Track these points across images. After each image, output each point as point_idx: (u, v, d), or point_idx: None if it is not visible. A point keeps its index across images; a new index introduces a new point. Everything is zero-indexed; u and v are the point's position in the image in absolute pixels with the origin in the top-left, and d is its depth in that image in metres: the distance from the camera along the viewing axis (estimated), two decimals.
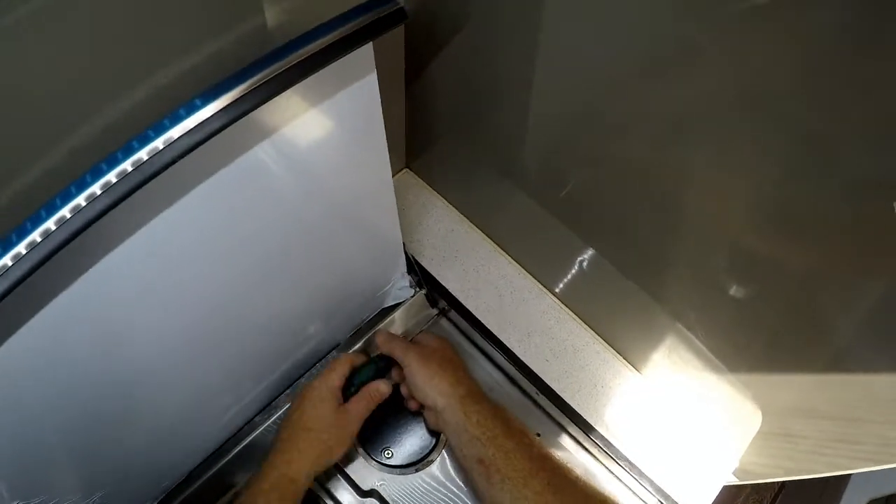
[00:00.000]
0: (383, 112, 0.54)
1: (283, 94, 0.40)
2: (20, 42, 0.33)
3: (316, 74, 0.41)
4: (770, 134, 0.44)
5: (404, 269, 0.83)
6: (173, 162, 0.38)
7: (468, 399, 0.69)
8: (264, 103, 0.40)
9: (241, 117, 0.39)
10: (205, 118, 0.38)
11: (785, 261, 0.54)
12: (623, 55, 0.49)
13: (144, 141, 0.37)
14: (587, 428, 0.81)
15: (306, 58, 0.41)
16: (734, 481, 0.82)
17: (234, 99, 0.39)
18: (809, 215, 0.48)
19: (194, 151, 0.38)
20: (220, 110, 0.38)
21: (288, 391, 0.82)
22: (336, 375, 0.73)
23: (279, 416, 0.81)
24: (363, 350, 0.86)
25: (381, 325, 0.86)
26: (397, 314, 0.87)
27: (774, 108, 0.42)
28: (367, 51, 0.46)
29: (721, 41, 0.41)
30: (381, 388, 0.75)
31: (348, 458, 0.79)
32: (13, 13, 0.32)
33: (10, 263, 0.35)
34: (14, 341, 0.41)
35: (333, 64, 0.42)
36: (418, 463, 0.80)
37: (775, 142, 0.44)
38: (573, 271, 0.80)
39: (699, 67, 0.44)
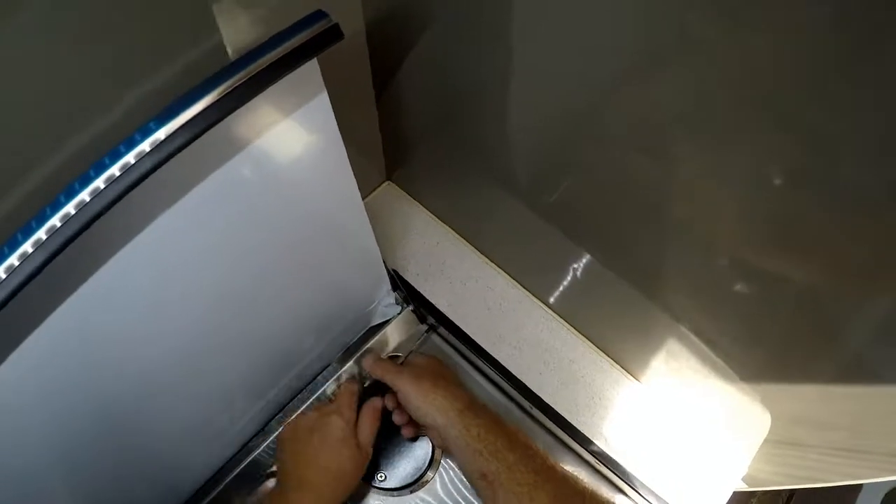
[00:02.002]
0: (353, 126, 0.53)
1: (237, 114, 0.40)
2: None
3: (265, 94, 0.40)
4: (769, 135, 0.42)
5: (388, 285, 0.81)
6: (131, 188, 0.37)
7: (467, 412, 0.67)
8: (214, 125, 0.39)
9: (191, 142, 0.39)
10: (160, 141, 0.38)
11: (791, 266, 0.52)
12: (611, 53, 0.46)
13: (100, 168, 0.37)
14: (585, 442, 0.78)
15: (248, 80, 0.40)
16: (744, 487, 0.79)
17: (184, 122, 0.38)
18: (816, 222, 0.46)
19: (155, 175, 0.38)
20: (172, 134, 0.38)
21: (279, 416, 0.81)
22: (350, 408, 0.73)
23: (273, 439, 0.80)
24: (356, 368, 0.84)
25: (370, 344, 0.84)
26: (386, 332, 0.85)
27: (771, 108, 0.40)
28: (312, 68, 0.44)
29: (715, 39, 0.39)
30: (378, 404, 0.75)
31: None
32: None
33: None
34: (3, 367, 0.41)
35: (280, 83, 0.41)
36: (413, 484, 0.79)
37: (777, 140, 0.42)
38: (566, 279, 0.78)
39: (694, 67, 0.42)
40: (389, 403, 0.77)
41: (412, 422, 0.73)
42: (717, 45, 0.39)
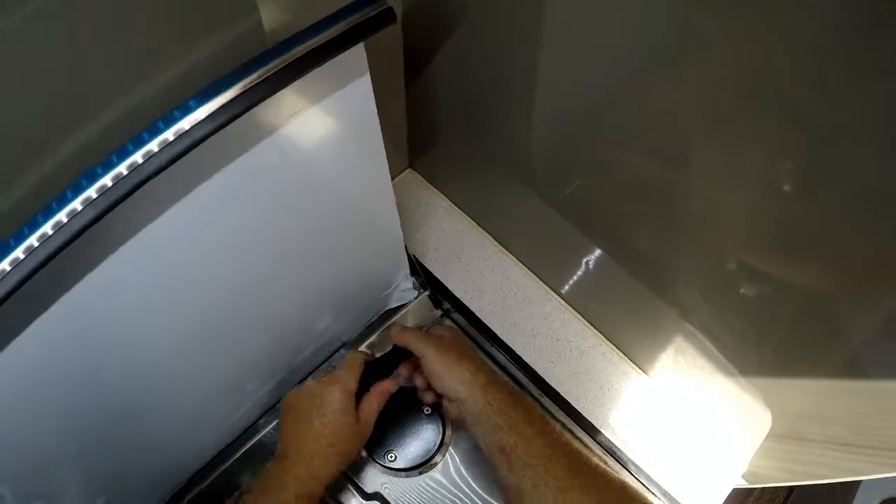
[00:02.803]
0: (383, 113, 0.54)
1: (277, 96, 0.40)
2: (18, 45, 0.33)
3: (308, 77, 0.41)
4: (782, 134, 0.43)
5: (407, 270, 0.82)
6: (167, 165, 0.37)
7: (490, 387, 0.68)
8: (255, 106, 0.39)
9: (232, 120, 0.39)
10: (198, 120, 0.38)
11: (797, 266, 0.53)
12: (631, 52, 0.47)
13: (139, 144, 0.37)
14: (593, 431, 0.80)
15: (294, 61, 0.40)
16: (743, 484, 0.81)
17: (225, 101, 0.38)
18: (822, 221, 0.47)
19: (192, 153, 0.38)
20: (212, 113, 0.38)
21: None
22: (353, 378, 0.72)
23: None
24: (370, 351, 0.85)
25: (385, 327, 0.86)
26: (402, 315, 0.86)
27: (786, 106, 0.41)
28: (358, 52, 0.45)
29: (731, 39, 0.40)
30: (391, 387, 0.74)
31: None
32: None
33: (7, 268, 0.36)
34: (18, 344, 0.41)
35: (325, 66, 0.41)
36: (422, 465, 0.80)
37: (787, 142, 0.43)
38: (579, 272, 0.79)
39: (711, 64, 0.43)
40: (405, 371, 0.77)
41: (431, 388, 0.73)
42: (730, 45, 0.40)
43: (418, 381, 0.76)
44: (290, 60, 0.40)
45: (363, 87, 0.49)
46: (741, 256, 0.56)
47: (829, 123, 0.40)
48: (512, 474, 0.63)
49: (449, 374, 0.69)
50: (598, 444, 0.81)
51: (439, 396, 0.72)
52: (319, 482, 0.66)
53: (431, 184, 0.91)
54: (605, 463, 0.81)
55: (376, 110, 0.52)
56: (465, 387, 0.68)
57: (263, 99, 0.40)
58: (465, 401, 0.68)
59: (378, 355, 0.78)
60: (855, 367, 0.57)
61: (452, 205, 0.90)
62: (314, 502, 0.66)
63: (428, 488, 0.80)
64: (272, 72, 0.40)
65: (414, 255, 0.83)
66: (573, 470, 0.62)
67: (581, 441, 0.82)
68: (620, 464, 0.80)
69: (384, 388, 0.73)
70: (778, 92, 0.41)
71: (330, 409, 0.69)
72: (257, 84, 0.39)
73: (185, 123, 0.38)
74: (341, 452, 0.68)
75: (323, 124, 0.51)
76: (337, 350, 0.85)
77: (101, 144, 0.39)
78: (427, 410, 0.79)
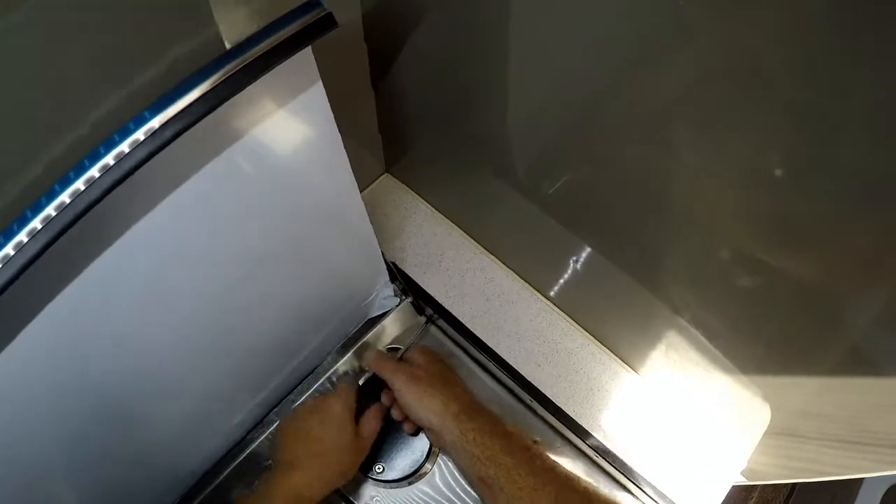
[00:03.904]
0: (352, 117, 0.54)
1: (232, 105, 0.39)
2: None
3: (259, 85, 0.40)
4: (773, 124, 0.41)
5: (387, 277, 0.81)
6: (124, 178, 0.37)
7: (462, 416, 0.67)
8: (203, 118, 0.39)
9: (186, 130, 0.38)
10: (155, 128, 0.37)
11: (791, 259, 0.51)
12: (611, 42, 0.46)
13: (95, 158, 0.37)
14: (584, 434, 0.78)
15: (238, 71, 0.40)
16: (743, 481, 0.79)
17: (179, 111, 0.38)
18: (817, 213, 0.45)
19: (152, 163, 0.38)
20: (167, 122, 0.38)
21: (277, 408, 0.81)
22: (353, 396, 0.73)
23: (271, 431, 0.80)
24: (354, 360, 0.84)
25: (368, 335, 0.84)
26: (384, 324, 0.85)
27: (771, 98, 0.40)
28: (306, 58, 0.44)
29: (714, 26, 0.39)
30: (387, 405, 0.75)
31: None
32: None
33: None
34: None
35: (274, 74, 0.40)
36: (411, 476, 0.79)
37: (779, 133, 0.42)
38: (566, 271, 0.78)
39: (693, 56, 0.42)
40: (385, 399, 0.77)
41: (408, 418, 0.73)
42: (716, 34, 0.39)
43: (395, 413, 0.76)
44: (238, 68, 0.39)
45: (317, 92, 0.48)
46: (735, 249, 0.55)
47: (823, 114, 0.38)
48: None
49: (420, 406, 0.69)
50: (590, 446, 0.79)
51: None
52: (313, 492, 0.66)
53: (409, 187, 0.89)
54: (603, 470, 0.80)
55: (333, 116, 0.51)
56: (436, 418, 0.68)
57: (216, 107, 0.39)
58: (439, 431, 0.67)
59: (363, 380, 0.79)
60: (855, 363, 0.56)
61: (432, 208, 0.88)
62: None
63: (418, 498, 0.79)
64: (219, 82, 0.39)
65: (393, 262, 0.82)
66: (560, 498, 0.61)
67: (573, 445, 0.80)
68: (614, 466, 0.78)
69: (382, 408, 0.74)
70: (770, 82, 0.39)
71: (330, 421, 0.70)
72: (210, 91, 0.39)
73: (140, 134, 0.37)
74: (338, 466, 0.69)
75: (283, 133, 0.50)
76: (323, 360, 0.83)
77: (62, 160, 0.39)
78: (409, 434, 0.79)
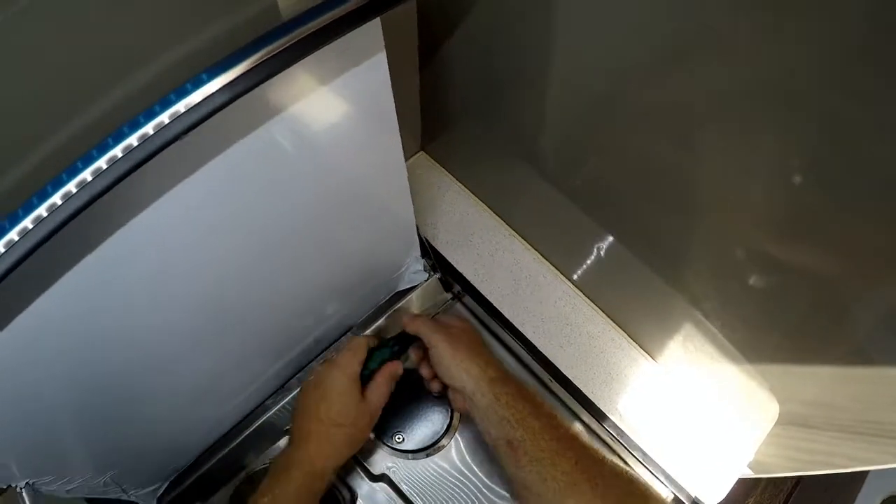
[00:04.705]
0: (396, 93, 0.53)
1: (290, 71, 0.39)
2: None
3: (323, 52, 0.40)
4: (795, 122, 0.43)
5: (418, 252, 0.82)
6: (179, 136, 0.37)
7: (498, 381, 0.68)
8: (268, 80, 0.39)
9: (246, 92, 0.38)
10: (211, 93, 0.37)
11: (808, 254, 0.53)
12: (647, 37, 0.47)
13: (150, 116, 0.37)
14: (600, 416, 0.80)
15: (309, 35, 0.40)
16: (749, 474, 0.80)
17: (238, 74, 0.38)
18: (834, 209, 0.46)
19: (203, 128, 0.37)
20: (226, 85, 0.38)
21: (300, 374, 0.83)
22: (356, 361, 0.72)
23: (291, 398, 0.81)
24: (377, 334, 0.85)
25: (395, 309, 0.86)
26: (412, 298, 0.87)
27: (800, 95, 0.41)
28: (374, 29, 0.45)
29: (746, 25, 0.40)
30: (399, 370, 0.75)
31: None
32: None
33: (16, 238, 0.36)
34: (24, 318, 0.41)
35: (341, 42, 0.41)
36: (429, 448, 0.80)
37: (800, 130, 0.43)
38: (590, 257, 0.79)
39: (724, 51, 0.43)
40: (415, 356, 0.77)
41: (437, 378, 0.74)
42: (746, 35, 0.40)
43: (424, 371, 0.76)
44: (304, 36, 0.40)
45: (379, 64, 0.49)
46: (753, 243, 0.56)
47: (845, 116, 0.40)
48: (519, 468, 0.64)
49: (457, 367, 0.69)
50: (606, 429, 0.81)
51: (445, 387, 0.73)
52: (327, 461, 0.67)
53: (443, 167, 0.91)
54: (616, 453, 0.82)
55: (391, 89, 0.52)
56: (472, 380, 0.68)
57: (276, 73, 0.39)
58: (472, 394, 0.68)
59: (387, 338, 0.78)
60: (864, 355, 0.57)
61: (464, 188, 0.90)
62: (321, 486, 0.67)
63: (434, 471, 0.80)
64: (285, 47, 0.39)
65: (425, 238, 0.83)
66: (580, 464, 0.62)
67: (588, 426, 0.82)
68: (627, 449, 0.80)
69: (391, 369, 0.74)
70: (797, 82, 0.40)
71: (332, 392, 0.70)
72: (270, 58, 0.39)
73: (197, 97, 0.37)
74: (347, 431, 0.69)
75: (338, 102, 0.51)
76: (347, 331, 0.85)
77: (114, 117, 0.38)
78: (436, 393, 0.79)
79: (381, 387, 0.72)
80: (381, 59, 0.49)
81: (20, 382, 0.47)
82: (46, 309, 0.42)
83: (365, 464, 0.80)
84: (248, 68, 0.38)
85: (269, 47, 0.39)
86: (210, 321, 0.60)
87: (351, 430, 0.69)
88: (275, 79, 0.39)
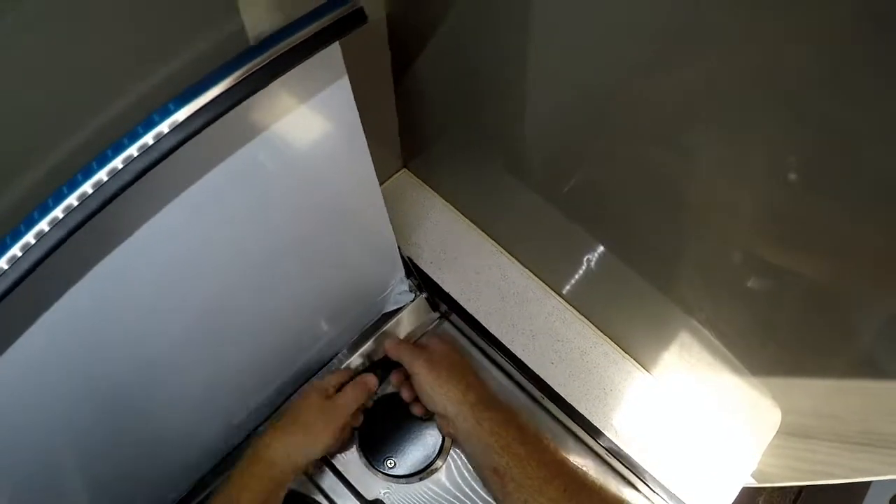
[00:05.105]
0: (372, 112, 0.53)
1: (257, 99, 0.40)
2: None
3: (285, 80, 0.40)
4: (789, 124, 0.41)
5: (402, 272, 0.81)
6: (148, 170, 0.38)
7: (479, 406, 0.67)
8: (230, 110, 0.39)
9: (211, 123, 0.39)
10: (180, 121, 0.38)
11: (807, 261, 0.51)
12: (630, 41, 0.46)
13: (118, 149, 0.37)
14: (595, 433, 0.78)
15: (266, 65, 0.40)
16: (753, 483, 0.79)
17: (203, 104, 0.39)
18: (833, 216, 0.45)
19: (175, 157, 0.38)
20: (190, 116, 0.38)
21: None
22: (333, 378, 0.73)
23: None
24: (366, 357, 0.84)
25: (382, 331, 0.85)
26: (398, 319, 0.85)
27: (787, 101, 0.40)
28: (333, 53, 0.45)
29: (734, 26, 0.39)
30: (369, 380, 0.74)
31: (351, 467, 0.79)
32: None
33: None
34: (18, 345, 0.42)
35: (301, 68, 0.41)
36: (422, 472, 0.79)
37: (792, 134, 0.42)
38: (580, 269, 0.78)
39: (711, 55, 0.42)
40: (395, 380, 0.77)
41: (418, 400, 0.73)
42: (735, 36, 0.39)
43: (405, 395, 0.76)
44: (262, 65, 0.40)
45: (342, 87, 0.49)
46: (750, 250, 0.55)
47: (842, 119, 0.38)
48: (506, 495, 0.63)
49: (438, 392, 0.69)
50: (602, 446, 0.79)
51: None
52: (273, 451, 0.66)
53: (426, 184, 0.90)
54: (613, 469, 0.80)
55: (357, 112, 0.51)
56: (453, 405, 0.68)
57: (239, 102, 0.40)
58: (454, 419, 0.67)
59: (370, 363, 0.79)
60: (866, 366, 0.56)
61: (448, 205, 0.89)
62: (270, 473, 0.66)
63: (429, 493, 0.79)
64: (245, 76, 0.39)
65: (409, 257, 0.82)
66: (569, 491, 0.61)
67: (584, 443, 0.81)
68: (625, 465, 0.78)
69: (360, 379, 0.74)
70: (790, 85, 0.39)
71: (300, 403, 0.71)
72: (236, 84, 0.39)
73: (165, 127, 0.38)
74: (302, 424, 0.69)
75: (306, 127, 0.51)
76: (335, 356, 0.83)
77: (85, 151, 0.38)
78: (421, 416, 0.78)
79: (347, 392, 0.72)
80: (344, 82, 0.49)
81: (14, 412, 0.47)
82: (38, 336, 0.42)
83: (358, 489, 0.78)
84: (212, 98, 0.39)
85: (230, 78, 0.39)
86: (199, 348, 0.60)
87: (308, 421, 0.69)
88: (240, 107, 0.39)
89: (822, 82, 0.37)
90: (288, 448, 0.67)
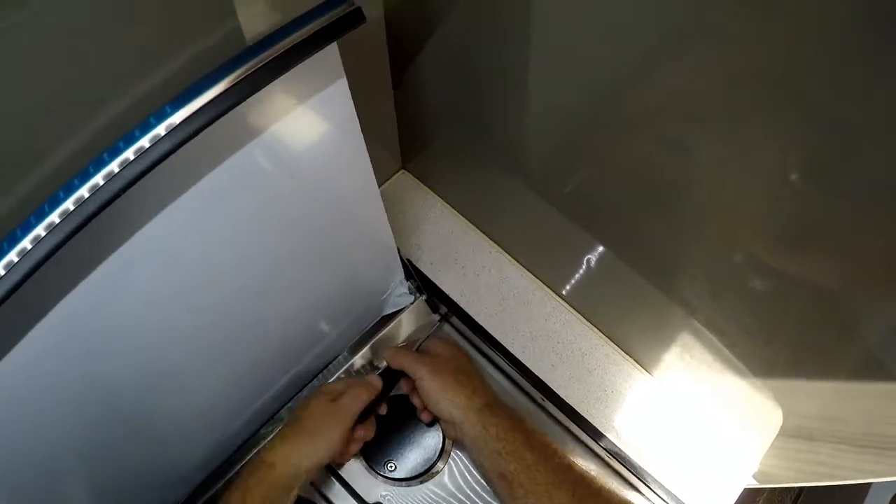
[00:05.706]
0: (370, 114, 0.53)
1: (256, 100, 0.40)
2: None
3: (283, 80, 0.40)
4: (797, 127, 0.41)
5: (402, 275, 0.81)
6: (145, 173, 0.37)
7: (486, 411, 0.67)
8: (228, 112, 0.39)
9: (208, 125, 0.38)
10: (177, 123, 0.37)
11: (809, 261, 0.51)
12: (630, 39, 0.45)
13: (114, 153, 0.37)
14: (597, 435, 0.78)
15: (264, 66, 0.40)
16: (754, 484, 0.79)
17: (200, 106, 0.38)
18: (833, 219, 0.45)
19: (173, 159, 0.38)
20: (187, 118, 0.38)
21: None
22: (341, 384, 0.72)
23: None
24: (368, 360, 0.84)
25: (382, 333, 0.84)
26: (398, 321, 0.85)
27: (790, 101, 0.39)
28: (331, 54, 0.44)
29: (735, 24, 0.38)
30: (373, 380, 0.74)
31: (351, 470, 0.78)
32: None
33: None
34: (16, 352, 0.41)
35: (299, 69, 0.41)
36: (423, 475, 0.79)
37: (802, 136, 0.41)
38: (580, 271, 0.77)
39: (711, 54, 0.41)
40: (406, 387, 0.76)
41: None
42: (737, 34, 0.38)
43: (415, 401, 0.75)
44: (259, 66, 0.39)
45: (340, 88, 0.49)
46: (752, 251, 0.55)
47: (845, 117, 0.38)
48: (514, 501, 0.63)
49: (443, 398, 0.68)
50: (603, 448, 0.79)
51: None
52: (277, 454, 0.66)
53: (425, 185, 0.89)
54: (615, 471, 0.80)
55: (355, 112, 0.51)
56: (459, 411, 0.67)
57: (236, 104, 0.39)
58: (461, 425, 0.67)
59: (382, 369, 0.78)
60: (869, 367, 0.56)
61: (448, 206, 0.88)
62: (273, 476, 0.65)
63: (430, 497, 0.78)
64: (242, 77, 0.39)
65: (408, 259, 0.82)
66: (577, 496, 0.61)
67: (585, 445, 0.80)
68: (627, 467, 0.78)
69: (370, 381, 0.73)
70: (793, 83, 0.39)
71: (305, 408, 0.70)
72: (234, 86, 0.39)
73: (161, 129, 0.37)
74: (306, 428, 0.68)
75: (303, 128, 0.50)
76: (334, 359, 0.83)
77: (82, 153, 0.38)
78: (427, 423, 0.78)
79: (351, 395, 0.71)
80: (342, 83, 0.48)
81: (14, 418, 0.47)
82: (37, 342, 0.42)
83: (359, 492, 0.78)
84: (210, 99, 0.38)
85: (227, 79, 0.39)
86: (198, 352, 0.59)
87: (312, 425, 0.68)
88: (238, 109, 0.39)
89: (824, 81, 0.37)
90: (294, 453, 0.66)
